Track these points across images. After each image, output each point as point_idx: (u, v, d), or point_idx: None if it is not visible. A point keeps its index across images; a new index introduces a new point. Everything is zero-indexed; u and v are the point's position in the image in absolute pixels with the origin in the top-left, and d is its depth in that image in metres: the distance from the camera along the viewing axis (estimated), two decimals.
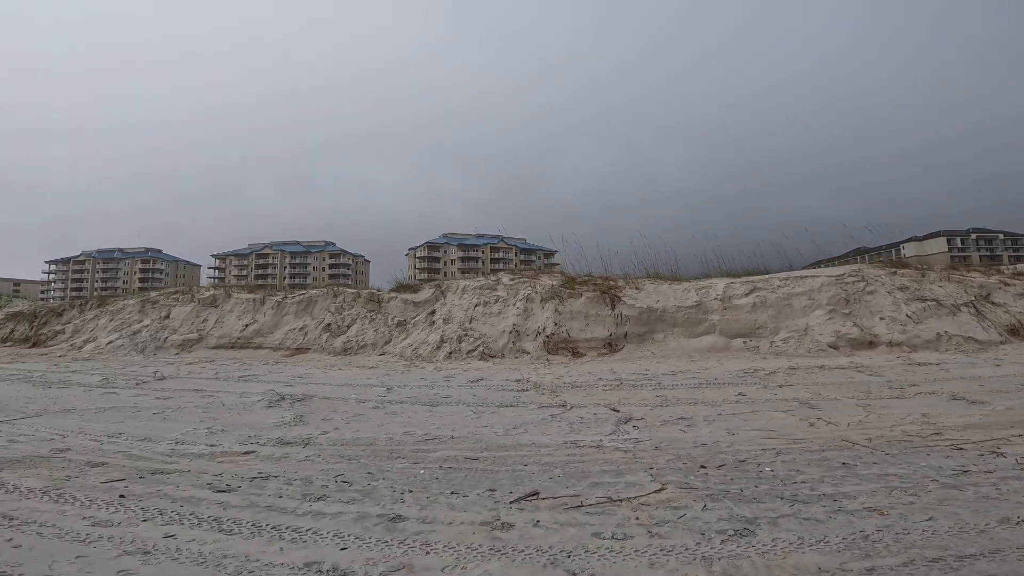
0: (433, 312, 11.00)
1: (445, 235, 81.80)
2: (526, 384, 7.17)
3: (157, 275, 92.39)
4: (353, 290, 12.36)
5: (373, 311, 11.60)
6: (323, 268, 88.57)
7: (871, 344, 8.81)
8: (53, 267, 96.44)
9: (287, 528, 2.67)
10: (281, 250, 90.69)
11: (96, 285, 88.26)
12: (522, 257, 75.53)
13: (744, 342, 9.20)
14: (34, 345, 13.02)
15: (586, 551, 2.40)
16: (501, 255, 76.83)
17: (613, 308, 9.99)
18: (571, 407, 5.66)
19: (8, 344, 13.56)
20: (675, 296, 10.14)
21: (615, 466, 3.60)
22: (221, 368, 9.23)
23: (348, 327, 11.28)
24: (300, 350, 11.03)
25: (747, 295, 9.85)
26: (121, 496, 3.05)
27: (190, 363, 10.00)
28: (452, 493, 3.18)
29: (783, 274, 10.40)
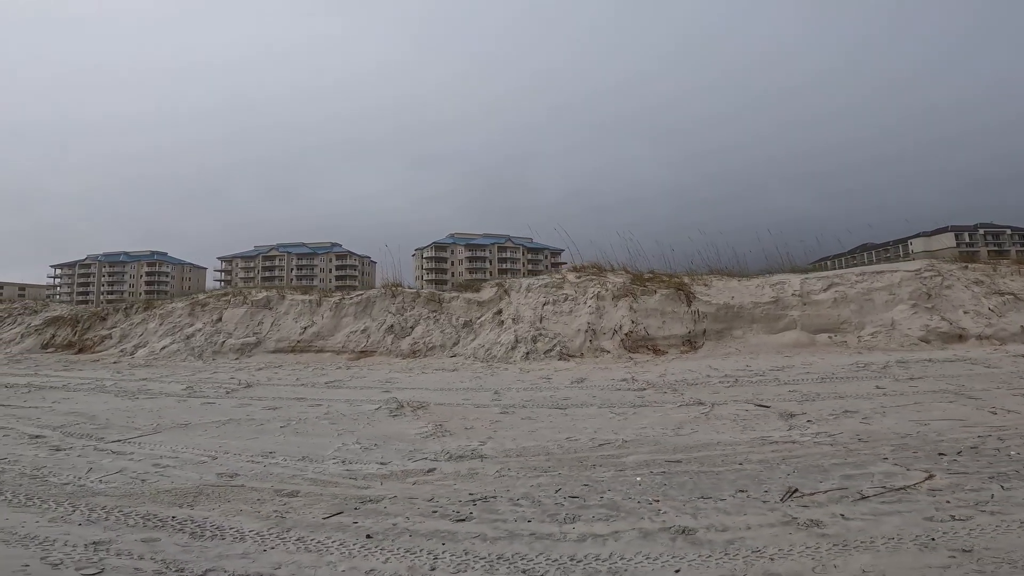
0: (499, 312, 10.70)
1: (452, 235, 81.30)
2: (637, 383, 6.88)
3: (163, 278, 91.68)
4: (412, 290, 12.04)
5: (435, 311, 11.29)
6: (330, 269, 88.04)
7: (960, 338, 8.59)
8: (58, 271, 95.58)
9: (592, 557, 2.35)
10: (288, 252, 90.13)
11: (103, 289, 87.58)
12: (529, 256, 75.16)
13: (829, 337, 8.94)
14: (80, 351, 12.64)
15: (946, 533, 2.32)
16: (508, 255, 76.35)
17: (689, 305, 9.72)
18: (712, 405, 5.42)
19: (50, 350, 13.17)
20: (749, 293, 9.88)
21: (840, 459, 3.52)
22: (299, 374, 8.89)
23: (412, 328, 10.97)
24: (365, 353, 10.71)
25: (825, 290, 9.59)
26: (368, 536, 2.69)
27: (259, 368, 9.67)
28: (703, 498, 2.95)
29: (857, 269, 10.19)
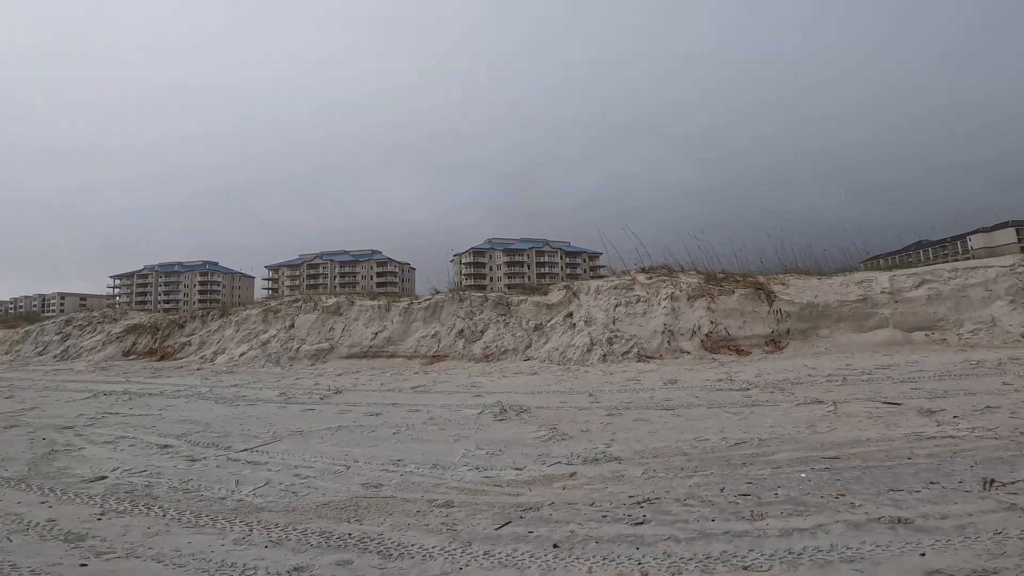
0: (570, 315, 10.53)
1: (489, 240, 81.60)
2: (735, 383, 6.62)
3: (215, 287, 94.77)
4: (479, 294, 12.00)
5: (504, 315, 11.20)
6: (371, 276, 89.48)
7: None
8: (118, 281, 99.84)
9: (812, 549, 2.30)
10: (331, 259, 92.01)
11: (159, 298, 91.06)
12: (567, 260, 74.75)
13: (926, 335, 8.46)
14: (162, 358, 13.02)
15: None
16: (547, 259, 76.11)
17: (771, 305, 9.35)
18: (833, 403, 5.18)
19: (131, 357, 13.60)
20: (833, 291, 9.45)
21: (1016, 451, 3.38)
22: (380, 379, 8.90)
23: (482, 332, 10.90)
24: (437, 357, 10.69)
25: (917, 287, 9.09)
26: (555, 545, 2.50)
27: (338, 374, 9.74)
28: (894, 491, 2.87)
29: (949, 265, 9.64)
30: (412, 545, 2.65)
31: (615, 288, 10.70)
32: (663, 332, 9.36)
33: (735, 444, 4.04)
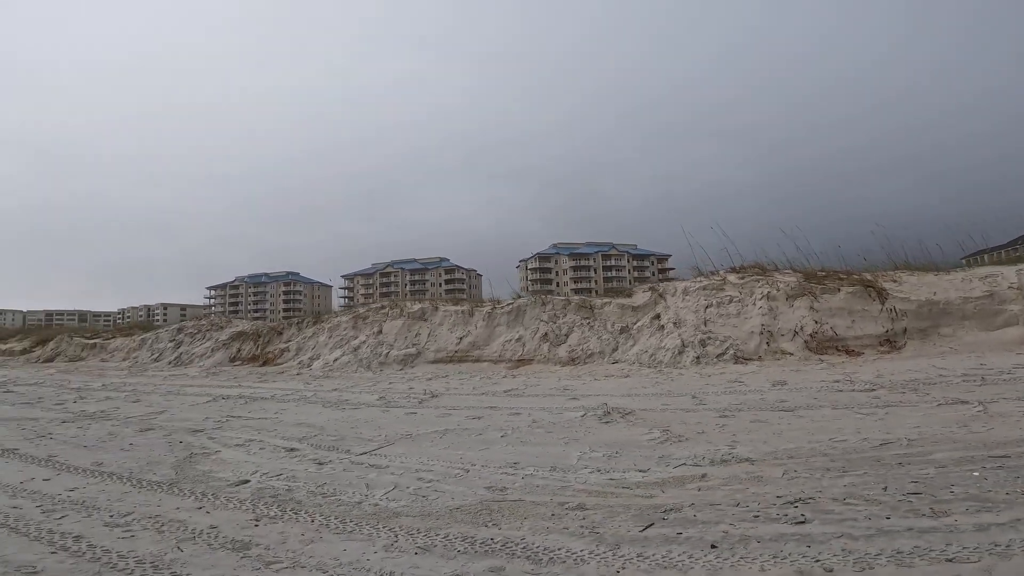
0: (657, 316, 10.20)
1: (555, 245, 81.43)
2: (856, 384, 6.16)
3: (297, 296, 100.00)
4: (562, 298, 11.88)
5: (587, 318, 11.02)
6: (440, 283, 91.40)
7: None
8: (212, 292, 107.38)
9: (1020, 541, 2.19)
10: (401, 268, 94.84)
11: (249, 308, 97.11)
12: (635, 263, 73.25)
13: None
14: (264, 363, 13.75)
15: None
16: (613, 262, 74.93)
17: (883, 303, 8.66)
18: (979, 403, 4.79)
19: (237, 363, 14.44)
20: (954, 287, 8.63)
21: None
22: (471, 383, 8.95)
23: (566, 336, 10.77)
24: (522, 361, 10.66)
25: None
26: (713, 546, 2.42)
27: (428, 378, 9.89)
28: None
29: None
30: (559, 549, 2.60)
31: (704, 289, 10.27)
32: (761, 333, 8.87)
33: (881, 445, 3.84)
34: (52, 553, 2.47)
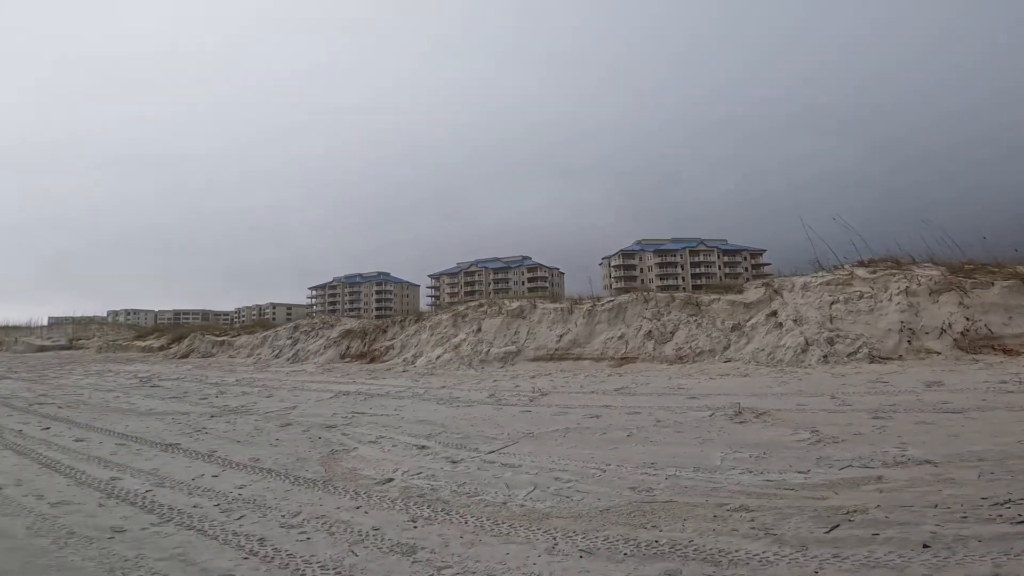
0: (774, 313, 9.52)
1: (639, 242, 79.33)
2: None
3: (388, 295, 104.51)
4: (665, 295, 11.43)
5: (694, 315, 10.50)
6: (522, 281, 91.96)
7: None
8: (313, 292, 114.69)
9: None
10: (484, 267, 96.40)
11: (345, 307, 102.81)
12: (725, 259, 69.68)
13: None
14: (371, 360, 14.34)
15: None
16: (702, 258, 71.69)
17: None
18: None
19: (347, 360, 15.16)
20: None
21: None
22: (578, 381, 8.78)
23: (672, 333, 10.33)
24: (625, 359, 10.34)
25: None
26: (925, 546, 2.29)
27: (532, 376, 9.83)
28: None
29: None
30: (736, 551, 2.51)
31: (827, 284, 9.45)
32: (900, 331, 8.00)
33: None
34: (244, 559, 2.54)
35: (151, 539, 2.73)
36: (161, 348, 22.09)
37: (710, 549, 2.52)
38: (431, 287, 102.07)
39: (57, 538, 2.69)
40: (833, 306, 8.90)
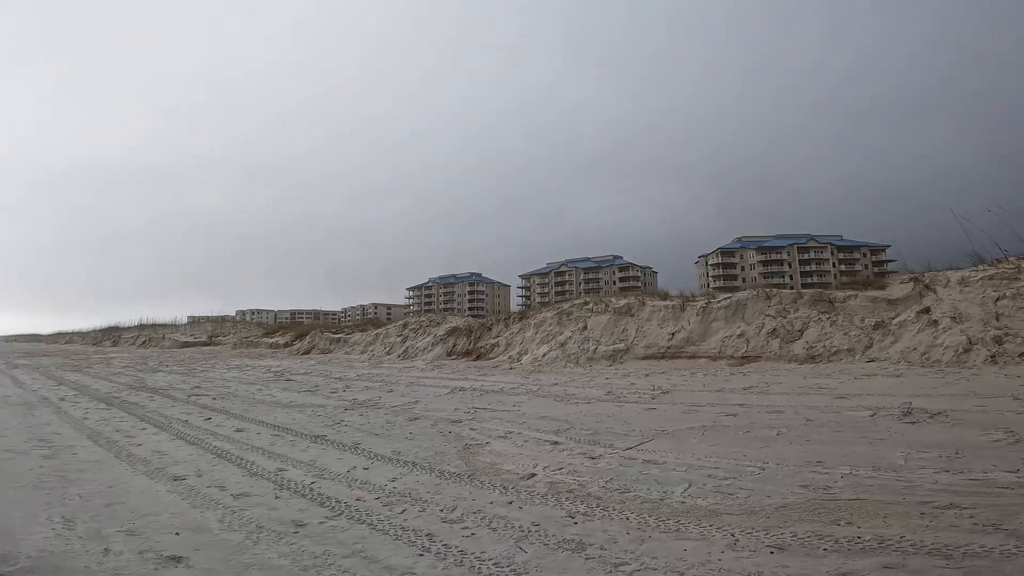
0: (925, 310, 8.47)
1: (739, 239, 74.89)
2: None
3: (480, 295, 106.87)
4: (791, 291, 10.61)
5: (826, 312, 9.62)
6: (614, 281, 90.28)
7: None
8: (411, 292, 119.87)
9: None
10: (575, 267, 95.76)
11: (440, 307, 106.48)
12: (841, 256, 63.78)
13: None
14: (477, 358, 14.59)
15: None
16: (812, 255, 66.10)
17: None
18: None
19: (453, 357, 15.52)
20: None
21: None
22: (699, 380, 8.32)
23: (800, 332, 9.53)
24: (747, 358, 9.68)
25: None
26: None
27: (645, 374, 9.47)
28: None
29: None
30: (968, 545, 2.33)
31: (990, 278, 8.28)
32: None
33: None
34: (420, 556, 2.52)
35: (330, 534, 2.79)
36: (286, 344, 23.96)
37: (932, 544, 2.37)
38: (522, 287, 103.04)
39: (249, 533, 2.78)
40: (999, 302, 7.76)
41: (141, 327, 41.68)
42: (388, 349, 17.29)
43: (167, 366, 16.35)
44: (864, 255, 62.67)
